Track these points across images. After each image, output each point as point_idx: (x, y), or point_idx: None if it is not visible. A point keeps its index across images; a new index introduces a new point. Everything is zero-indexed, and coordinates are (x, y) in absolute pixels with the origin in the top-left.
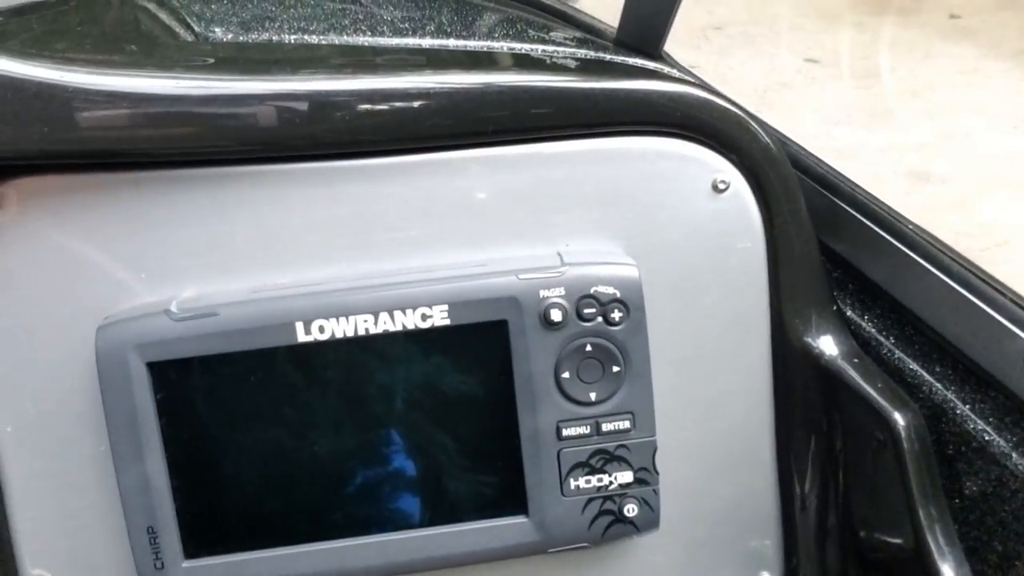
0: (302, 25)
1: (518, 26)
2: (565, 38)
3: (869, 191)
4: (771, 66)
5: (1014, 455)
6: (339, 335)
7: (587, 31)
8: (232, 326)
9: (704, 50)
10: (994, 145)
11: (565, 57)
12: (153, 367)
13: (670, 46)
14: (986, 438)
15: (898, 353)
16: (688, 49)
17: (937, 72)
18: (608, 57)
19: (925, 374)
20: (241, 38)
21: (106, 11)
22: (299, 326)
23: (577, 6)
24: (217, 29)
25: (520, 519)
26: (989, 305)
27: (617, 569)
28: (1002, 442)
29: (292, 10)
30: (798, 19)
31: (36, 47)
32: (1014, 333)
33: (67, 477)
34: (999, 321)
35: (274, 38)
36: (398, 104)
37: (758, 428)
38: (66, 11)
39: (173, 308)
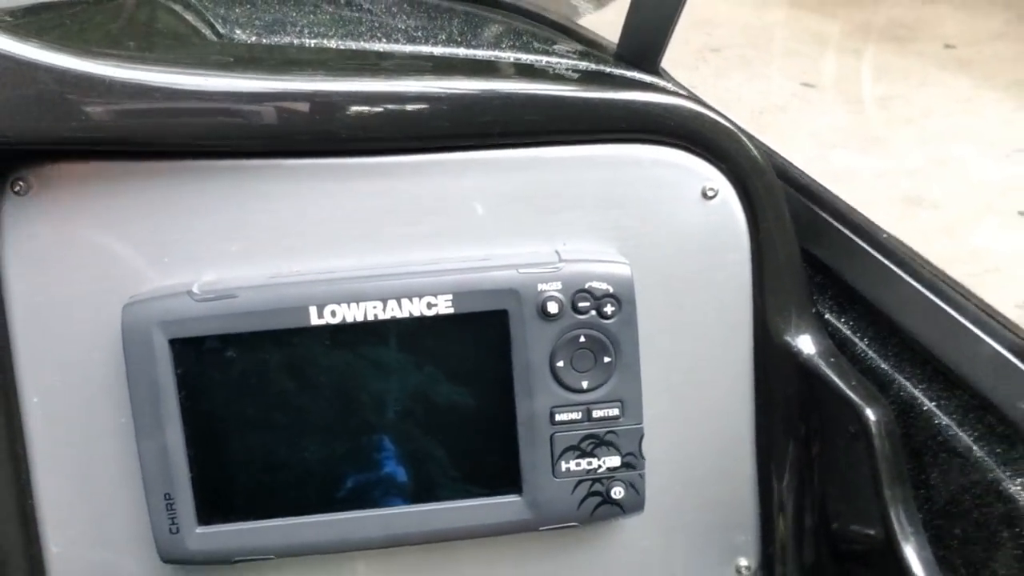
0: (320, 30)
1: (524, 38)
2: (568, 51)
3: (849, 202)
4: (768, 89)
5: (975, 448)
6: (349, 320)
7: (589, 45)
8: (250, 308)
9: (701, 71)
10: (986, 173)
11: (568, 68)
12: (175, 343)
13: (668, 66)
14: (950, 432)
15: (871, 353)
16: (686, 70)
17: (931, 100)
18: (608, 70)
19: (895, 373)
20: (263, 40)
21: (136, 10)
22: (312, 310)
23: (580, 22)
24: (239, 31)
25: (514, 498)
26: (956, 310)
27: (603, 549)
28: (964, 436)
29: (311, 16)
30: (796, 44)
31: (72, 41)
32: (978, 336)
33: (88, 448)
34: (965, 325)
35: (294, 41)
36: (410, 106)
37: (740, 420)
38: (98, 9)
39: (195, 290)
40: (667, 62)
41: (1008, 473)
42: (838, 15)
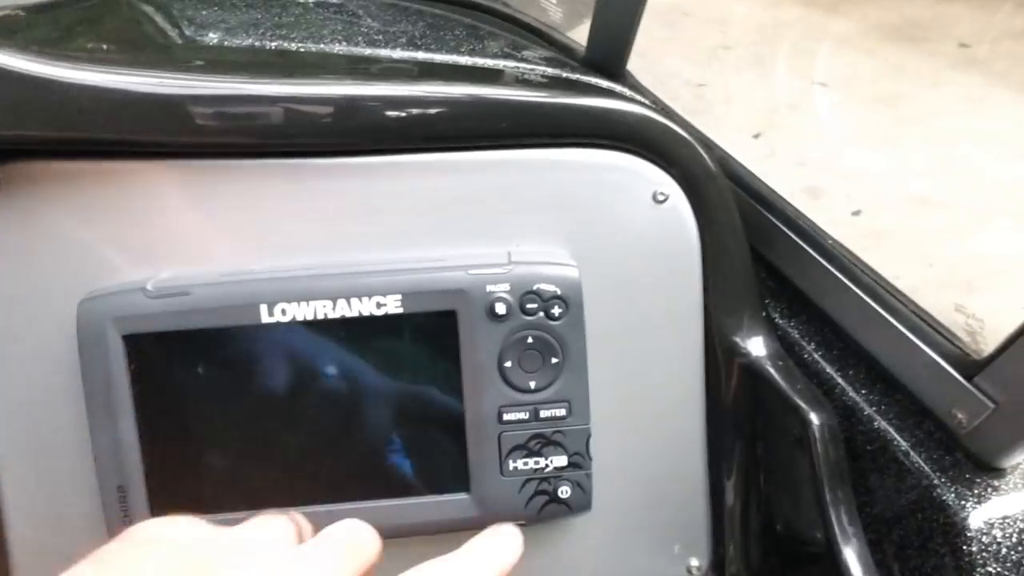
0: (283, 32)
1: (487, 42)
2: (534, 56)
3: (799, 208)
4: (779, 87)
5: (912, 453)
6: (299, 318)
7: (560, 50)
8: (202, 305)
9: (714, 69)
10: (996, 174)
11: (528, 73)
12: (128, 339)
13: (680, 61)
14: (888, 437)
15: (817, 357)
16: (698, 67)
17: (944, 100)
18: (566, 74)
19: (839, 377)
20: (225, 43)
21: (110, 14)
22: (263, 308)
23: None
24: (208, 33)
25: (462, 496)
26: (895, 317)
27: (554, 549)
28: (902, 441)
29: (276, 18)
30: (809, 43)
31: (45, 45)
32: (915, 344)
33: (49, 439)
34: (903, 332)
35: (256, 43)
36: (365, 109)
37: (690, 422)
38: (77, 12)
39: (149, 287)
40: (679, 59)
41: (943, 480)
42: (852, 14)
